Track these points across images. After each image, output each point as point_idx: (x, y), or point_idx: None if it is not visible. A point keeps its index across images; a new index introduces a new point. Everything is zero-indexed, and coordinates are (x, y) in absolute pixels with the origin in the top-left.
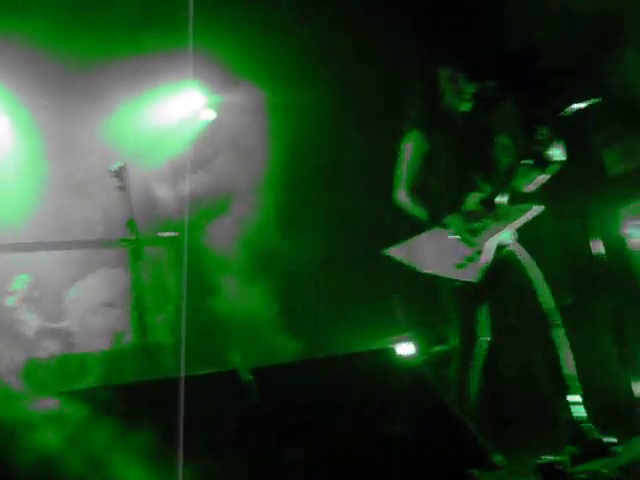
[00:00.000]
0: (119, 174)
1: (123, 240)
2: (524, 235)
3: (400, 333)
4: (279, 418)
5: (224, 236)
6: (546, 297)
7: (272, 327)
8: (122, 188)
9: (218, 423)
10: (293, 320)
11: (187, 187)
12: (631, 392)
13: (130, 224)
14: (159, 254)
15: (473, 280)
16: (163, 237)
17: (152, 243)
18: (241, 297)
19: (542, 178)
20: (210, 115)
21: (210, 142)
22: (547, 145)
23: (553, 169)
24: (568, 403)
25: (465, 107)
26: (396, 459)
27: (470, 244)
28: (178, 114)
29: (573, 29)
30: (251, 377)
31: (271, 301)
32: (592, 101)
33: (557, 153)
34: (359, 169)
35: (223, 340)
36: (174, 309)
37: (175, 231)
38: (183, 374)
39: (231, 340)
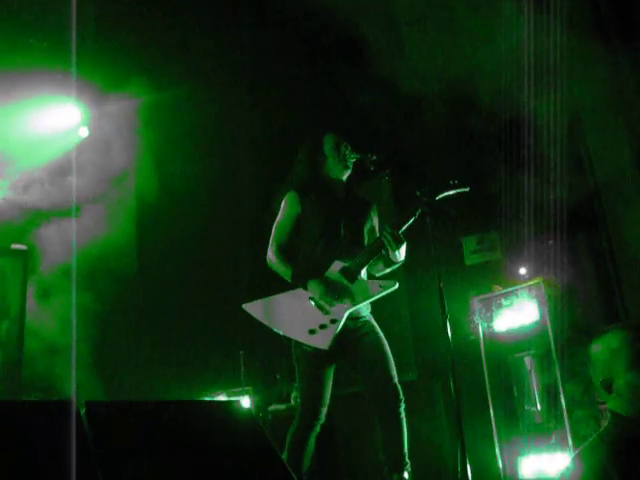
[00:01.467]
0: None
1: None
2: (378, 307)
3: (240, 386)
4: (108, 459)
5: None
6: (392, 371)
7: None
8: None
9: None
10: (132, 358)
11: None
12: (456, 473)
13: None
14: (3, 267)
15: (323, 347)
16: (7, 249)
17: (1, 255)
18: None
19: (388, 270)
20: (84, 132)
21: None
22: (393, 245)
23: (395, 266)
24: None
25: (344, 175)
26: None
27: (325, 312)
28: (50, 127)
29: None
30: (84, 410)
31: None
32: (462, 189)
33: (399, 255)
34: (229, 218)
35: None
36: (8, 327)
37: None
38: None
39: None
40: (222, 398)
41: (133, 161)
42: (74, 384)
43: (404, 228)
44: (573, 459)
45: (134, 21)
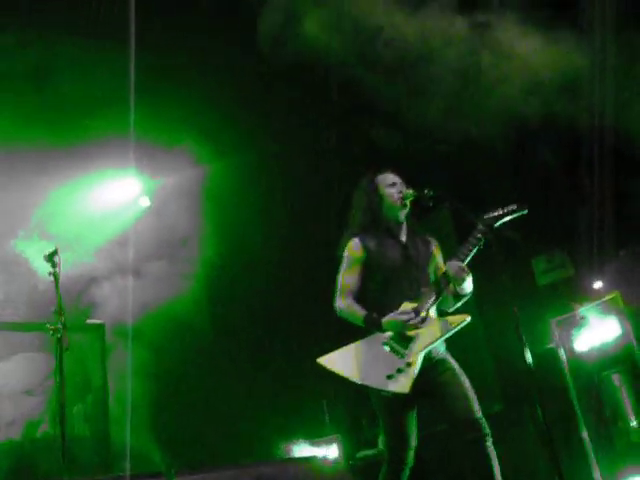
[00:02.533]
0: (51, 259)
1: (48, 325)
2: (455, 342)
3: (327, 435)
4: None
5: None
6: (474, 406)
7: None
8: (53, 273)
9: None
10: (222, 418)
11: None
12: None
13: (58, 310)
14: (82, 342)
15: (403, 392)
16: (85, 325)
17: (73, 330)
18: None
19: (459, 304)
20: (145, 202)
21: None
22: (458, 280)
23: (464, 299)
24: None
25: (402, 215)
26: None
27: (400, 356)
28: (114, 200)
29: None
30: None
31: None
32: (520, 212)
33: (466, 288)
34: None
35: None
36: (93, 400)
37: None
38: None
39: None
40: (305, 448)
41: (197, 225)
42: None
43: (468, 259)
44: None
45: (192, 86)
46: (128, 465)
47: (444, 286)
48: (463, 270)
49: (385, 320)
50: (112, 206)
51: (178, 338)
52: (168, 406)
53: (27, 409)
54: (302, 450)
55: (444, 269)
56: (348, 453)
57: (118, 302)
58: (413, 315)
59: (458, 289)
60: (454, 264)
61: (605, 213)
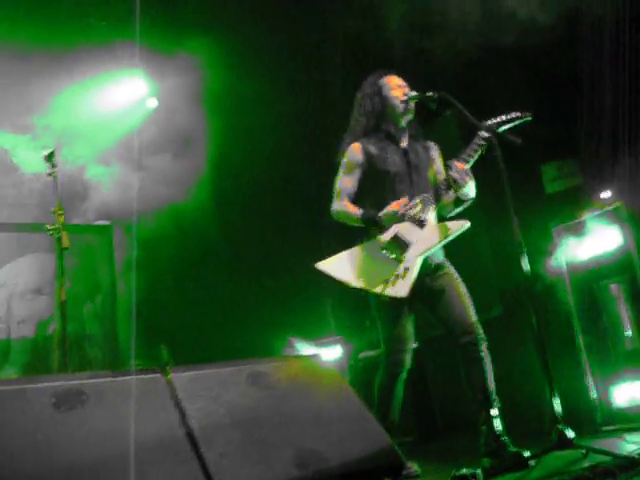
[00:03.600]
0: (49, 160)
1: (48, 226)
2: (455, 246)
3: (331, 336)
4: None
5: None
6: (470, 311)
7: (201, 324)
8: (52, 174)
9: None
10: (227, 318)
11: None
12: (552, 407)
13: (57, 210)
14: (90, 243)
15: (402, 295)
16: (93, 226)
17: (81, 231)
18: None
19: (459, 209)
20: (153, 103)
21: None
22: (461, 183)
23: (465, 204)
24: (487, 416)
25: (406, 120)
26: (310, 468)
27: (398, 260)
28: (120, 101)
29: None
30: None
31: (205, 296)
32: (525, 118)
33: (468, 192)
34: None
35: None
36: (103, 300)
37: (108, 220)
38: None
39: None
40: (308, 347)
41: (202, 125)
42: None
43: (471, 163)
44: None
45: None
46: (133, 362)
47: (445, 190)
48: (465, 173)
49: (383, 212)
50: (118, 107)
51: (183, 237)
52: (170, 305)
53: (38, 308)
54: (304, 349)
55: (447, 172)
56: (350, 354)
57: (123, 199)
58: (411, 204)
59: (459, 193)
60: (456, 166)
61: (617, 123)
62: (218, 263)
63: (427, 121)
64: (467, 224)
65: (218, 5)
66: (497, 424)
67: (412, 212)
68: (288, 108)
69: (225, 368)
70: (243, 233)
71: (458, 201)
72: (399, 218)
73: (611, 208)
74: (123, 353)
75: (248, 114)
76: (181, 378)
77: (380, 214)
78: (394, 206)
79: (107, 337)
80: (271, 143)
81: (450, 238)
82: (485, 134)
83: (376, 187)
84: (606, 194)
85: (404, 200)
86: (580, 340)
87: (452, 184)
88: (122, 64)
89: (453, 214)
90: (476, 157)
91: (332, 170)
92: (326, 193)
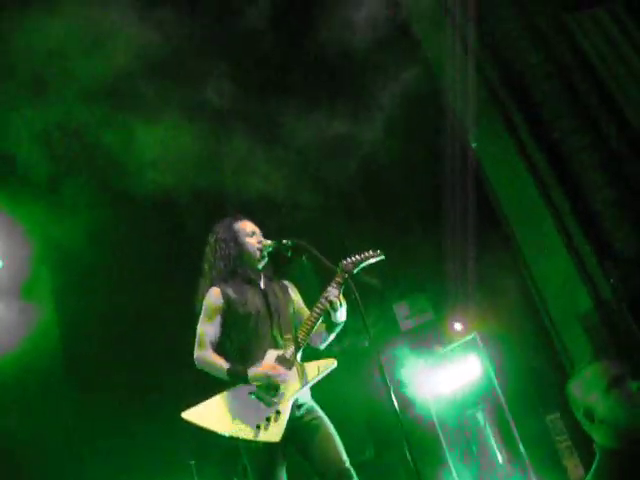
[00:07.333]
0: None
1: None
2: (322, 388)
3: None
4: None
5: None
6: (342, 456)
7: None
8: None
9: None
10: None
11: None
12: None
13: None
14: None
15: (275, 440)
16: None
17: None
18: None
19: (332, 336)
20: None
21: None
22: (334, 306)
23: (337, 328)
24: None
25: (260, 265)
26: None
27: (269, 404)
28: None
29: None
30: None
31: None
32: (378, 257)
33: (341, 316)
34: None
35: None
36: None
37: None
38: None
39: None
40: None
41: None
42: None
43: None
44: None
45: None
46: None
47: (317, 317)
48: (338, 296)
49: (252, 374)
50: None
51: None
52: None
53: None
54: None
55: (324, 294)
56: None
57: None
58: (280, 367)
59: (333, 317)
60: (331, 291)
61: (463, 259)
62: (69, 417)
63: (282, 263)
64: (334, 363)
65: None
66: None
67: (281, 373)
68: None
69: None
70: (97, 386)
71: (331, 326)
72: (268, 380)
73: (468, 338)
74: None
75: (98, 271)
76: None
77: (250, 376)
78: (265, 368)
79: None
80: (124, 295)
81: (319, 377)
82: (342, 276)
83: (238, 331)
84: (457, 326)
85: (271, 365)
86: (453, 473)
87: (328, 307)
88: None
89: (326, 344)
90: (339, 294)
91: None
92: (187, 340)
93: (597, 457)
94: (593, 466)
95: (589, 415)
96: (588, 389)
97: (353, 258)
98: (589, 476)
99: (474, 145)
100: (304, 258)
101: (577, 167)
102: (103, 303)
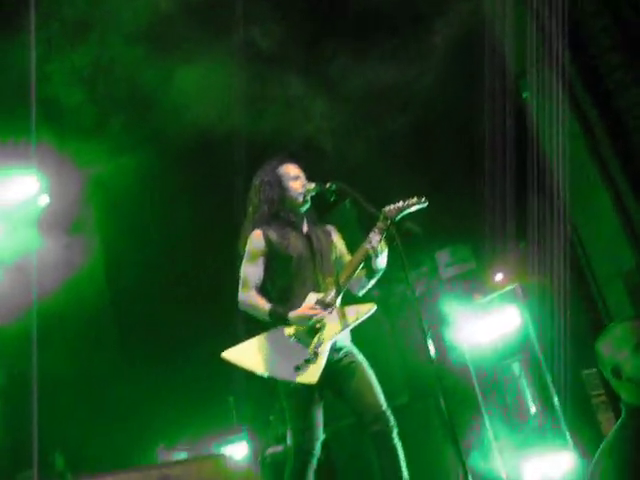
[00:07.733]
0: None
1: None
2: (360, 333)
3: (235, 433)
4: None
5: None
6: (380, 399)
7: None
8: None
9: None
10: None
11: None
12: None
13: None
14: None
15: (312, 382)
16: None
17: None
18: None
19: (372, 282)
20: (44, 200)
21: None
22: (376, 252)
23: (377, 275)
24: None
25: (303, 209)
26: None
27: (308, 346)
28: (12, 198)
29: None
30: None
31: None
32: (421, 205)
33: (382, 262)
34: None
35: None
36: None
37: None
38: None
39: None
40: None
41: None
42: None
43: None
44: (599, 458)
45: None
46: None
47: (359, 261)
48: (380, 243)
49: (292, 315)
50: (10, 204)
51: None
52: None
53: None
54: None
55: (367, 240)
56: (257, 450)
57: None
58: (320, 309)
59: (374, 263)
60: (374, 236)
61: (505, 209)
62: (113, 353)
63: (326, 208)
64: (374, 307)
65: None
66: None
67: (321, 315)
68: (182, 206)
69: (133, 473)
70: (140, 323)
71: (371, 272)
72: (308, 321)
73: (508, 289)
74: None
75: (144, 210)
76: None
77: (290, 316)
78: (304, 310)
79: (5, 448)
80: (168, 235)
81: (359, 321)
82: (383, 222)
83: (280, 273)
84: (499, 277)
85: (311, 305)
86: (487, 422)
87: (370, 252)
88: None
89: (364, 290)
90: (381, 240)
91: (231, 259)
92: (227, 283)
93: (622, 414)
94: (617, 422)
95: (617, 372)
96: (617, 347)
97: (396, 205)
98: (613, 432)
99: (524, 95)
100: (347, 203)
101: (631, 123)
102: (147, 243)
